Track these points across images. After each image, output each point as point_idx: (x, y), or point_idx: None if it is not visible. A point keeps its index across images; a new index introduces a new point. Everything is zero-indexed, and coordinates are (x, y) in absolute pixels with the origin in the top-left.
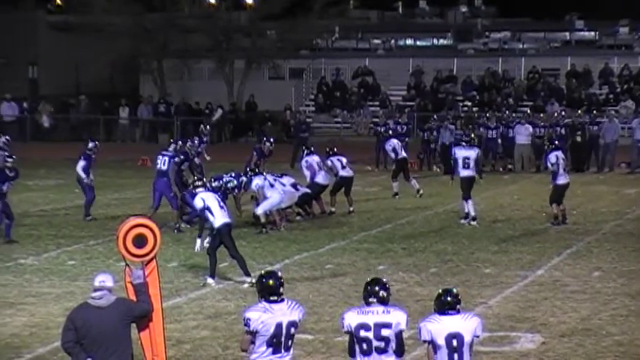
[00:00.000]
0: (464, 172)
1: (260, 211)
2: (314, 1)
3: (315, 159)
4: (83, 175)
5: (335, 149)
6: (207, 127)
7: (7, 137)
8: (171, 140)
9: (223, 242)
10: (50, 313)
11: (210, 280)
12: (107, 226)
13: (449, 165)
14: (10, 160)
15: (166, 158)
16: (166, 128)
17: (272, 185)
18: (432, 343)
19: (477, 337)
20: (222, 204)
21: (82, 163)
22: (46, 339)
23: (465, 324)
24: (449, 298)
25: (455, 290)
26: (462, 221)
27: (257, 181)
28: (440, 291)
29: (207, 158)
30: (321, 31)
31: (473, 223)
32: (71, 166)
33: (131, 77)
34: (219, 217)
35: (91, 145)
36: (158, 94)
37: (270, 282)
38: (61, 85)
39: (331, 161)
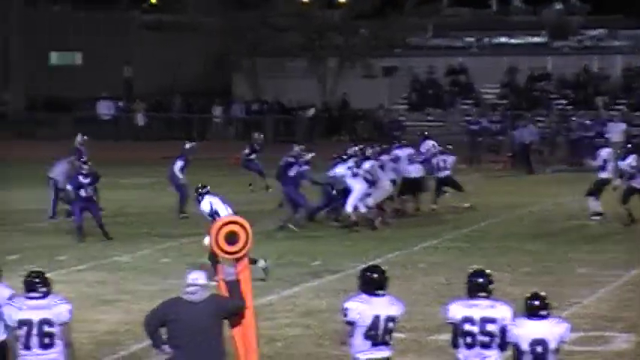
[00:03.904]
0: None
1: (349, 208)
2: None
3: (407, 152)
4: (180, 176)
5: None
6: (262, 135)
7: (85, 136)
8: (300, 148)
9: None
10: (144, 311)
11: None
12: (200, 224)
13: (525, 164)
14: (85, 166)
15: (296, 165)
16: (259, 127)
17: (355, 175)
18: (516, 348)
19: (564, 342)
20: (226, 205)
21: (179, 164)
22: (140, 336)
23: (551, 330)
24: (536, 303)
25: (543, 294)
26: None
27: (340, 170)
28: (528, 294)
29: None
30: (414, 29)
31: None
32: (165, 165)
33: (224, 76)
34: None
35: (188, 145)
36: (251, 92)
37: (375, 276)
38: (155, 83)
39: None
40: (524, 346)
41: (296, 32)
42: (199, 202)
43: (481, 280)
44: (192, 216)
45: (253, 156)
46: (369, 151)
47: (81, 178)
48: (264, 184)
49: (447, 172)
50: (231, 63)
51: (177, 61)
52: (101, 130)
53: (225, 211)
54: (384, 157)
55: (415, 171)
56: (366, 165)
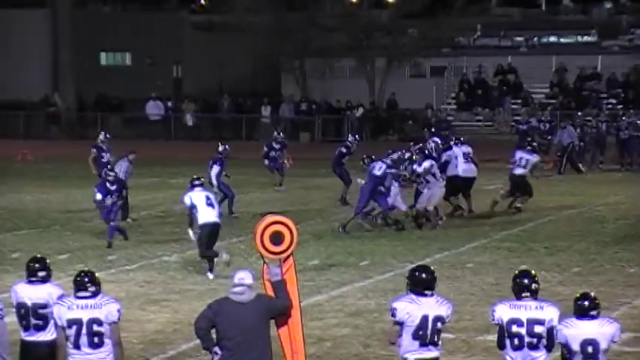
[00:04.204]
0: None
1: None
2: None
3: (463, 150)
4: (215, 183)
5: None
6: (281, 133)
7: (108, 134)
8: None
9: (204, 238)
10: (193, 310)
11: (210, 275)
12: (249, 224)
13: (559, 165)
14: (111, 173)
15: (384, 165)
16: (308, 127)
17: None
18: (567, 348)
19: (614, 342)
20: (210, 202)
21: (216, 169)
22: (189, 335)
23: (601, 330)
24: (586, 303)
25: (593, 294)
26: None
27: (426, 164)
28: (578, 294)
29: (287, 165)
30: (463, 29)
31: None
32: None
33: (273, 76)
34: (203, 216)
35: (221, 148)
36: (300, 92)
37: (424, 276)
38: (204, 84)
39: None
40: (575, 346)
41: (344, 32)
42: (190, 190)
43: (526, 280)
44: (242, 215)
45: (272, 154)
46: (430, 145)
47: (108, 185)
48: (278, 182)
49: (523, 171)
50: (279, 63)
51: (225, 61)
52: (150, 130)
53: (204, 206)
54: (450, 153)
55: (469, 171)
56: (426, 164)
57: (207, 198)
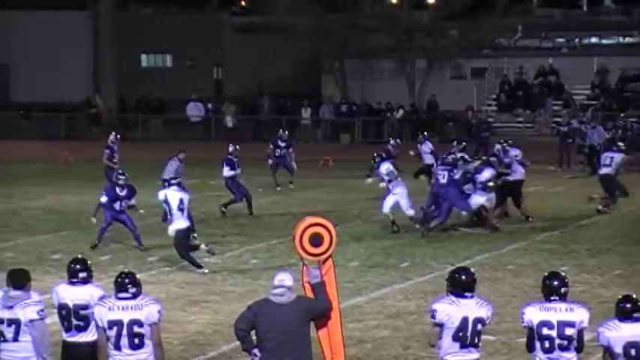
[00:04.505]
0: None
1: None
2: (497, 0)
3: (512, 152)
4: (230, 173)
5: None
6: (286, 132)
7: (118, 135)
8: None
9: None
10: (233, 312)
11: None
12: (289, 225)
13: (594, 167)
14: (121, 177)
15: (446, 173)
16: (348, 128)
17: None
18: (609, 351)
19: None
20: (182, 206)
21: (226, 169)
22: (229, 337)
23: None
24: (628, 305)
25: (635, 296)
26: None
27: (487, 174)
28: (620, 296)
29: (294, 166)
30: (504, 30)
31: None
32: (256, 166)
33: (313, 77)
34: (175, 223)
35: (231, 149)
36: (340, 93)
37: (464, 277)
38: (244, 85)
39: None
40: (618, 349)
41: (384, 34)
42: (164, 188)
43: (556, 282)
44: (285, 216)
45: (278, 152)
46: (500, 147)
47: (118, 190)
48: (289, 180)
49: (608, 170)
50: (319, 65)
51: (266, 62)
52: (191, 132)
53: (176, 210)
54: (508, 160)
55: (518, 173)
56: (487, 174)
57: (181, 201)
